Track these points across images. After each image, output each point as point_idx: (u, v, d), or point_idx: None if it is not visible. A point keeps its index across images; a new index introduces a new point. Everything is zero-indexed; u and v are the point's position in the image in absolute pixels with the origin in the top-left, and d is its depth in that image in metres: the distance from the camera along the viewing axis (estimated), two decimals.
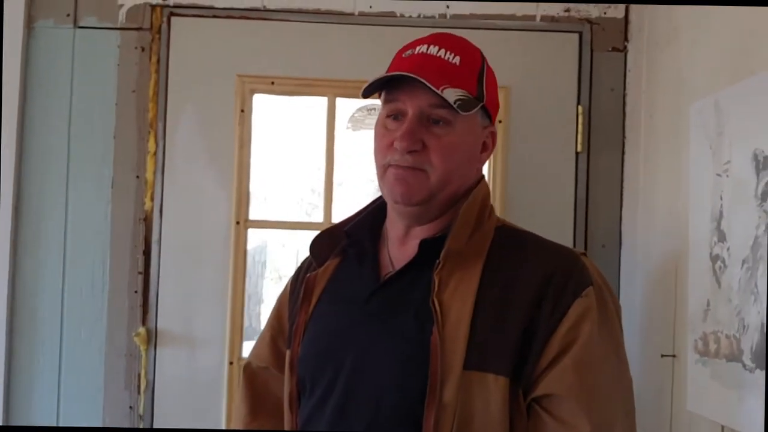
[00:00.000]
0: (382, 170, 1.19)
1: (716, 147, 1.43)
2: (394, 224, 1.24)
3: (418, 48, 1.19)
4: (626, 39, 2.02)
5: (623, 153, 2.02)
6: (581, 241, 2.02)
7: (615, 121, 2.03)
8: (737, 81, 1.39)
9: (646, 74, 1.91)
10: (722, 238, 1.40)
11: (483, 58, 1.23)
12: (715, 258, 1.43)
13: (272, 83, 2.05)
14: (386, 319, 1.17)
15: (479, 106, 1.18)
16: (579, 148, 2.03)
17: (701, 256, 1.48)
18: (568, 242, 2.00)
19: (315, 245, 1.31)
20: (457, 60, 1.17)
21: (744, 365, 1.31)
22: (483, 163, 1.25)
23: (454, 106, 1.12)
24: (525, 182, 2.03)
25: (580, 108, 2.02)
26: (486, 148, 1.23)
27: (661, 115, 1.80)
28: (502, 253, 1.17)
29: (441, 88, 1.11)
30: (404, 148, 1.14)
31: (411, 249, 1.20)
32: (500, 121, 2.00)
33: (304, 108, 2.11)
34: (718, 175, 1.42)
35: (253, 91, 2.05)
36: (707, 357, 1.45)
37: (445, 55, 1.17)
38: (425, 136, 1.15)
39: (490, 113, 1.22)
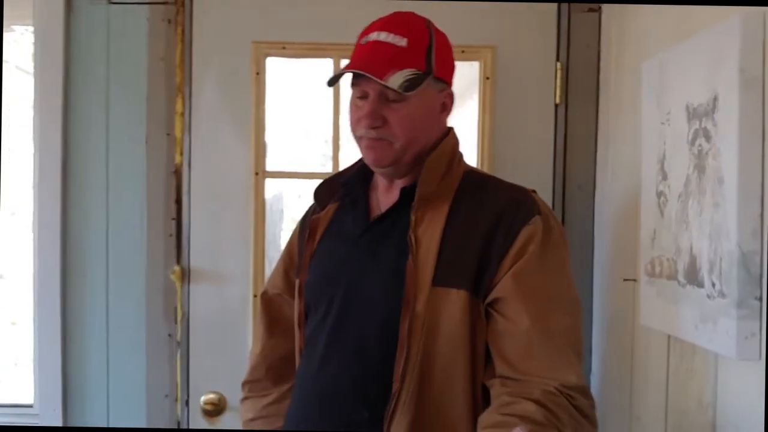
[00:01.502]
0: (357, 140, 1.43)
1: (660, 100, 1.64)
2: (380, 177, 1.48)
3: (371, 35, 1.39)
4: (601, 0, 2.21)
5: (597, 105, 2.19)
6: (560, 183, 2.21)
7: (590, 76, 2.19)
8: (677, 42, 1.59)
9: (616, 34, 2.09)
10: (665, 177, 1.61)
11: (431, 32, 1.41)
12: (659, 194, 1.64)
13: (284, 48, 2.19)
14: (374, 251, 1.42)
15: (428, 79, 1.37)
16: (558, 101, 2.20)
17: (650, 192, 1.68)
18: (548, 184, 2.20)
19: (318, 192, 1.56)
20: (404, 42, 1.37)
21: (679, 282, 1.52)
22: (444, 121, 1.46)
23: (399, 90, 1.33)
24: (510, 132, 2.21)
25: (558, 64, 2.20)
26: (445, 108, 1.45)
27: (625, 71, 2.00)
28: (466, 194, 1.41)
29: (386, 77, 1.32)
30: (367, 126, 1.38)
31: (394, 195, 1.44)
32: (488, 78, 2.21)
33: (313, 69, 2.30)
34: (662, 123, 1.62)
35: (266, 55, 2.20)
36: (654, 278, 1.66)
37: (393, 40, 1.37)
38: (385, 111, 1.37)
39: (443, 78, 1.42)
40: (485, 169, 2.18)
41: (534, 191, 1.46)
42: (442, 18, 2.14)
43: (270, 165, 2.26)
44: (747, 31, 1.28)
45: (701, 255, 1.43)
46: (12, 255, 2.58)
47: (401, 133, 1.39)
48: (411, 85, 1.35)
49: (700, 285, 1.43)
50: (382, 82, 1.33)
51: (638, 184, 1.79)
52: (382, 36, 1.38)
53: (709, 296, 1.39)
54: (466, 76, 2.42)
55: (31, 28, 2.25)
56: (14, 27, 2.36)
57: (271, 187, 2.27)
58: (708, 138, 1.40)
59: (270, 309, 1.67)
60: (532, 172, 2.21)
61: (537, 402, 1.22)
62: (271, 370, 1.64)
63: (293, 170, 2.34)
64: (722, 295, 1.34)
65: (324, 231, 1.54)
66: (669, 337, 1.65)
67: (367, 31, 1.42)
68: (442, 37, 1.45)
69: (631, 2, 1.93)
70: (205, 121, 2.23)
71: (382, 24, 1.41)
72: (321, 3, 2.21)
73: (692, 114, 1.47)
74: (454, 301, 1.33)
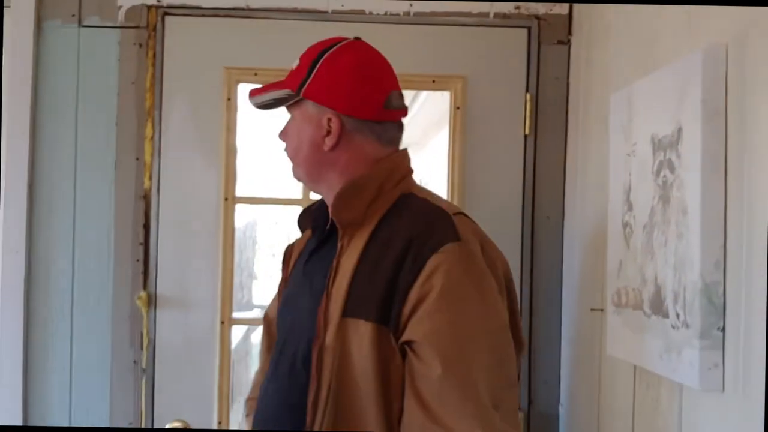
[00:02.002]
0: None
1: (627, 131, 1.66)
2: None
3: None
4: (570, 33, 2.23)
5: (566, 135, 2.22)
6: (529, 213, 2.23)
7: (559, 107, 2.23)
8: (644, 75, 1.62)
9: (584, 66, 2.13)
10: (630, 207, 1.63)
11: (320, 57, 1.40)
12: (625, 224, 1.66)
13: (255, 74, 2.19)
14: (310, 279, 1.41)
15: (293, 101, 1.41)
16: (527, 131, 2.22)
17: (616, 223, 1.70)
18: (517, 213, 2.22)
19: (299, 220, 1.56)
20: (295, 64, 1.43)
21: (644, 312, 1.53)
22: (331, 146, 1.39)
23: (253, 104, 1.47)
24: (480, 161, 2.22)
25: (528, 95, 2.22)
26: (327, 132, 1.39)
27: (594, 103, 2.03)
28: (390, 218, 1.36)
29: (255, 95, 1.47)
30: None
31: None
32: (458, 108, 2.23)
33: None
34: (628, 155, 1.64)
35: (238, 81, 2.20)
36: (620, 308, 1.67)
37: (293, 64, 1.45)
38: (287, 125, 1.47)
39: (323, 103, 1.38)
40: (455, 199, 2.20)
41: (460, 213, 1.39)
42: (412, 47, 2.20)
43: (241, 191, 2.24)
44: (709, 64, 1.30)
45: (666, 285, 1.44)
46: None
47: (287, 146, 1.47)
48: (274, 104, 1.44)
49: (665, 315, 1.44)
50: (250, 99, 1.47)
51: (605, 215, 1.80)
52: (294, 63, 1.47)
53: (673, 326, 1.40)
54: (437, 106, 2.45)
55: None
56: None
57: (244, 214, 2.26)
58: (672, 169, 1.42)
59: (268, 331, 1.69)
60: (502, 201, 2.23)
61: None
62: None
63: (264, 196, 2.33)
64: (686, 325, 1.35)
65: (297, 259, 1.56)
66: (635, 367, 1.65)
67: None
68: (341, 62, 1.40)
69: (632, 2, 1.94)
70: (175, 146, 2.23)
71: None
72: (292, 29, 2.21)
73: (657, 145, 1.49)
74: (363, 333, 1.28)
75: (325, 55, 1.40)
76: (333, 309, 1.31)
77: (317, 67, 1.39)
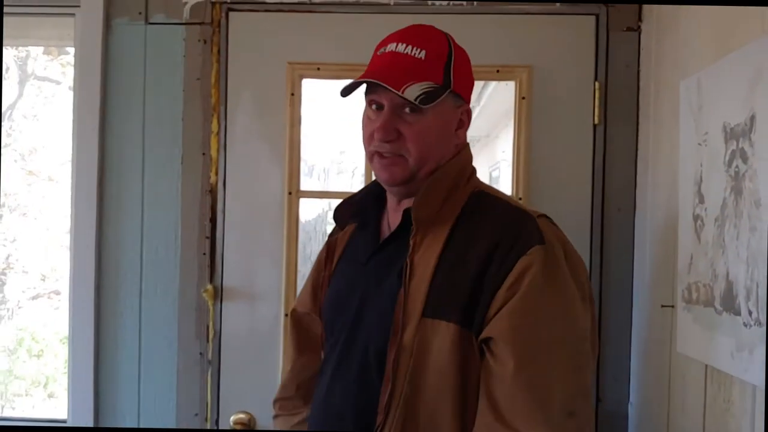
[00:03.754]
0: (370, 156, 1.37)
1: (698, 120, 1.59)
2: (390, 196, 1.43)
3: (389, 46, 1.34)
4: (640, 19, 2.15)
5: (637, 124, 2.14)
6: (599, 205, 2.16)
7: (630, 95, 2.15)
8: (714, 61, 1.55)
9: (655, 52, 2.05)
10: (701, 200, 1.56)
11: (450, 46, 1.35)
12: (696, 217, 1.59)
13: (318, 69, 2.20)
14: (378, 277, 1.37)
15: (446, 93, 1.31)
16: (596, 121, 2.16)
17: (687, 216, 1.64)
18: (586, 206, 2.16)
19: (337, 213, 1.51)
20: (422, 54, 1.31)
21: (716, 309, 1.47)
22: (462, 138, 1.40)
23: (416, 102, 1.27)
24: (547, 153, 2.17)
25: (597, 84, 2.16)
26: (462, 125, 1.39)
27: (665, 91, 1.95)
28: (468, 217, 1.33)
29: (403, 87, 1.27)
30: (381, 139, 1.32)
31: (400, 217, 1.39)
32: (524, 98, 2.18)
33: None
34: (699, 144, 1.58)
35: (301, 76, 2.20)
36: (691, 304, 1.61)
37: (411, 51, 1.31)
38: (400, 125, 1.31)
39: (461, 94, 1.36)
40: (521, 193, 2.15)
41: (543, 216, 1.35)
42: (476, 37, 2.15)
43: (305, 185, 2.25)
44: None
45: (738, 281, 1.37)
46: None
47: (415, 149, 1.33)
48: (428, 98, 1.30)
49: (737, 312, 1.37)
50: (399, 93, 1.28)
51: (677, 207, 1.73)
52: (401, 47, 1.33)
53: (745, 324, 1.33)
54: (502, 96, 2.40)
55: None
56: (68, 49, 2.42)
57: (313, 207, 2.26)
58: (745, 159, 1.35)
59: (299, 327, 1.65)
60: (570, 194, 2.17)
61: None
62: (302, 388, 1.60)
63: (328, 190, 2.33)
64: (759, 323, 1.28)
65: (342, 252, 1.52)
66: (706, 366, 1.58)
67: (384, 42, 1.37)
68: (462, 52, 1.39)
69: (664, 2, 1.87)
70: (240, 141, 2.25)
71: (401, 35, 1.36)
72: (355, 23, 2.20)
73: (729, 134, 1.42)
74: (444, 334, 1.25)
75: (453, 47, 1.36)
76: (412, 308, 1.28)
77: (453, 59, 1.35)
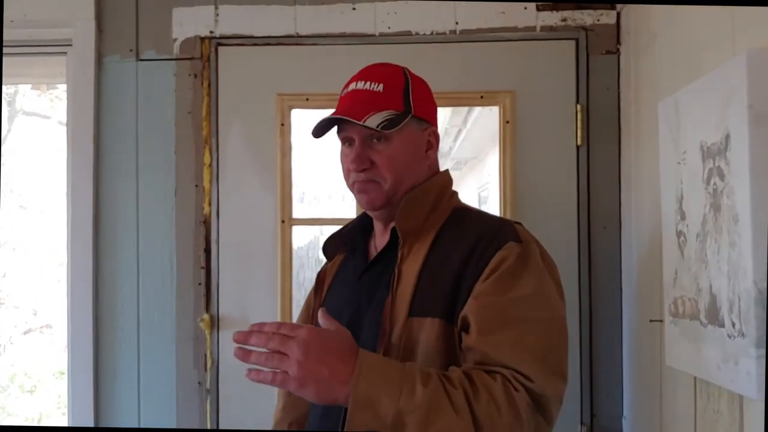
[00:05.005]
0: (351, 187, 1.48)
1: (676, 139, 1.64)
2: (376, 222, 1.53)
3: (350, 86, 1.46)
4: (618, 42, 2.21)
5: (619, 144, 2.20)
6: (585, 223, 2.21)
7: (611, 116, 2.21)
8: (691, 81, 1.60)
9: (634, 75, 2.10)
10: (683, 216, 1.60)
11: (406, 77, 1.46)
12: (679, 233, 1.64)
13: (307, 99, 2.25)
14: (370, 292, 1.44)
15: (408, 118, 1.42)
16: (579, 142, 2.21)
17: (670, 232, 1.68)
18: (572, 225, 2.21)
19: (325, 245, 1.61)
20: (380, 87, 1.42)
21: (701, 322, 1.50)
22: (432, 158, 1.49)
23: (378, 129, 1.38)
24: (532, 175, 2.22)
25: (578, 106, 2.21)
26: (431, 146, 1.49)
27: (644, 111, 2.01)
28: (450, 227, 1.42)
29: (365, 118, 1.37)
30: (355, 169, 1.43)
31: (388, 237, 1.47)
32: (508, 122, 2.23)
33: None
34: (678, 163, 1.62)
35: (291, 107, 2.26)
36: (677, 318, 1.65)
37: (370, 86, 1.43)
38: (371, 154, 1.43)
39: (424, 118, 1.47)
40: (508, 213, 2.20)
41: (518, 223, 1.44)
42: (460, 64, 2.22)
43: (297, 212, 2.29)
44: (754, 68, 1.28)
45: (720, 294, 1.41)
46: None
47: (388, 173, 1.43)
48: (390, 124, 1.40)
49: (721, 324, 1.41)
50: (361, 123, 1.38)
51: (660, 224, 1.78)
52: (359, 85, 1.45)
53: (729, 336, 1.37)
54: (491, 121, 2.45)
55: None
56: (58, 85, 2.46)
57: (305, 234, 2.30)
58: (722, 176, 1.40)
59: None
60: (557, 213, 2.22)
61: (465, 371, 1.23)
62: (294, 424, 1.64)
63: (320, 217, 2.37)
64: (742, 334, 1.32)
65: (331, 282, 1.59)
66: (695, 378, 1.62)
67: (346, 85, 1.49)
68: (419, 80, 1.50)
69: (645, 2, 1.92)
70: (232, 172, 2.29)
71: (359, 75, 1.48)
72: (341, 54, 2.26)
73: (706, 153, 1.47)
74: (429, 330, 1.32)
75: (409, 77, 1.47)
76: (399, 310, 1.34)
77: (411, 87, 1.46)
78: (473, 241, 1.35)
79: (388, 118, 1.40)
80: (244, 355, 1.20)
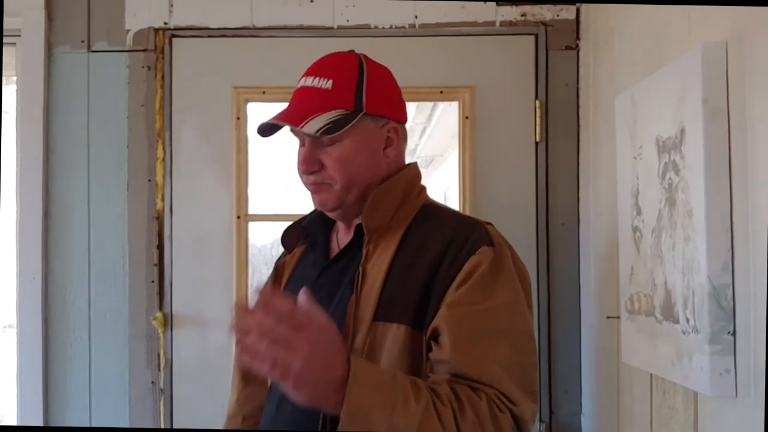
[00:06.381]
0: (306, 186, 1.41)
1: (633, 134, 1.63)
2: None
3: (301, 81, 1.38)
4: (578, 38, 2.21)
5: (578, 141, 2.19)
6: (543, 220, 2.20)
7: (570, 112, 2.21)
8: (646, 76, 1.59)
9: (593, 70, 2.10)
10: (639, 212, 1.59)
11: (361, 69, 1.37)
12: (635, 229, 1.62)
13: (263, 92, 2.21)
14: (331, 290, 1.38)
15: (358, 117, 1.33)
16: (538, 138, 2.21)
17: (626, 227, 1.67)
18: (531, 221, 2.20)
19: (284, 236, 1.54)
20: (329, 84, 1.34)
21: (656, 318, 1.49)
22: (392, 156, 1.41)
23: (316, 134, 1.30)
24: (491, 170, 2.21)
25: (537, 102, 2.21)
26: (390, 143, 1.40)
27: (602, 107, 2.01)
28: (419, 226, 1.36)
29: (304, 122, 1.30)
30: (304, 171, 1.37)
31: (352, 233, 1.42)
32: (467, 117, 2.22)
33: None
34: (635, 158, 1.61)
35: (246, 100, 2.22)
36: (633, 314, 1.64)
37: (318, 83, 1.35)
38: (321, 155, 1.35)
39: (381, 114, 1.38)
40: (467, 209, 2.18)
41: (489, 224, 1.39)
42: (419, 59, 2.19)
43: (253, 208, 2.25)
44: (708, 62, 1.27)
45: (675, 290, 1.40)
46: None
47: (338, 175, 1.36)
48: (335, 126, 1.32)
49: (676, 321, 1.40)
50: (299, 129, 1.31)
51: (617, 220, 1.77)
52: (309, 81, 1.37)
53: (684, 332, 1.37)
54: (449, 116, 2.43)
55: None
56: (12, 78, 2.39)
57: (265, 231, 2.26)
58: (677, 171, 1.39)
59: None
60: (516, 209, 2.20)
61: (452, 387, 1.19)
62: (248, 419, 1.59)
63: (277, 213, 2.33)
64: (696, 330, 1.31)
65: (290, 275, 1.53)
66: (651, 375, 1.62)
67: (300, 79, 1.41)
68: (378, 72, 1.40)
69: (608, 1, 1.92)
70: (186, 167, 2.25)
71: (312, 68, 1.40)
72: (299, 47, 2.22)
73: (662, 147, 1.46)
74: (395, 336, 1.27)
75: (365, 69, 1.38)
76: (363, 313, 1.29)
77: (365, 81, 1.37)
78: (444, 244, 1.30)
79: (334, 119, 1.31)
80: (242, 334, 1.07)
